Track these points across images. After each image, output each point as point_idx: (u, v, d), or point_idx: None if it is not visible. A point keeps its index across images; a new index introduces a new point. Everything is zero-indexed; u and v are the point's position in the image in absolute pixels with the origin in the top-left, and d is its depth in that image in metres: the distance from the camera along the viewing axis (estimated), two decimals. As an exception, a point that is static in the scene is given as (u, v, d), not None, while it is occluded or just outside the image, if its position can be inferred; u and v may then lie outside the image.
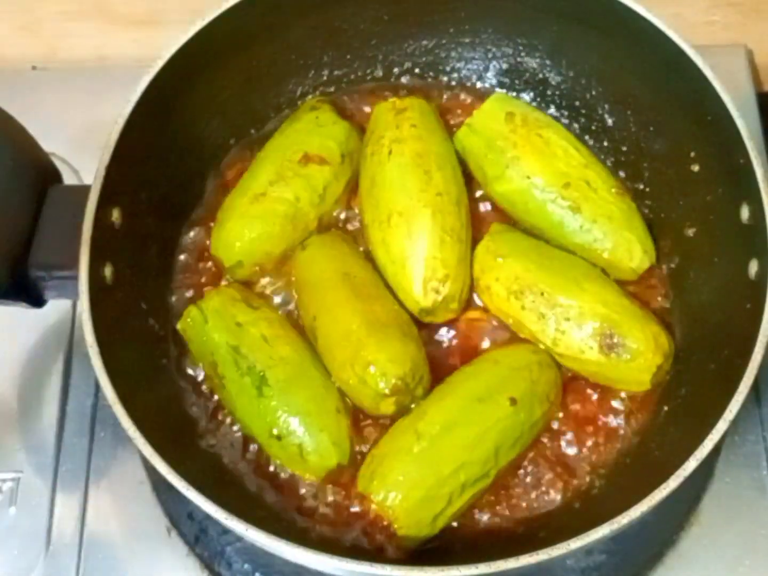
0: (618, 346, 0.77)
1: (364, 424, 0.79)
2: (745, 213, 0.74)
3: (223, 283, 0.86)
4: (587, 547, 0.64)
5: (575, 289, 0.79)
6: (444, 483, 0.73)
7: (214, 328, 0.80)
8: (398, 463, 0.74)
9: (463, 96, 0.93)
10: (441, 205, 0.82)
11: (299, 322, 0.83)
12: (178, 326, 0.82)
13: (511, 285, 0.80)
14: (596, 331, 0.77)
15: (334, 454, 0.76)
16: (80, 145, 0.93)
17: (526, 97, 0.93)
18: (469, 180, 0.87)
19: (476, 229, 0.85)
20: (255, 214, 0.83)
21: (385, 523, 0.73)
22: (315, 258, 0.83)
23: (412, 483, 0.73)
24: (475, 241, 0.84)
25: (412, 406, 0.77)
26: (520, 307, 0.80)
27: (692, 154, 0.81)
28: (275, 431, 0.76)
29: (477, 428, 0.75)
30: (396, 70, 0.93)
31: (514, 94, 0.93)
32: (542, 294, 0.79)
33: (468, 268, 0.83)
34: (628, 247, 0.82)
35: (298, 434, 0.76)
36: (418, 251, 0.80)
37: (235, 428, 0.80)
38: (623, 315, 0.78)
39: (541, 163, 0.83)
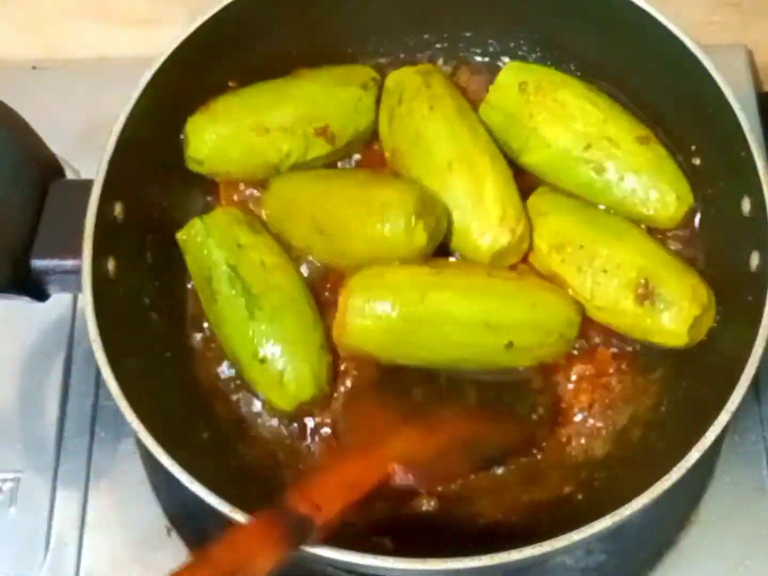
0: (653, 296, 0.77)
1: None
2: (746, 206, 0.74)
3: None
4: (590, 538, 0.63)
5: (613, 241, 0.79)
6: (409, 323, 0.76)
7: (216, 244, 0.81)
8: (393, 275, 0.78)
9: (464, 87, 0.93)
10: (494, 151, 0.83)
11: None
12: (178, 236, 0.83)
13: (551, 239, 0.81)
14: (632, 281, 0.77)
15: (311, 386, 0.78)
16: (81, 145, 0.93)
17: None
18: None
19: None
20: (247, 142, 0.84)
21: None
22: (291, 188, 0.85)
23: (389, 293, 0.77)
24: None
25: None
26: (560, 260, 0.80)
27: (693, 148, 0.81)
28: (261, 354, 0.78)
29: (464, 338, 0.77)
30: (397, 64, 0.92)
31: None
32: (581, 247, 0.79)
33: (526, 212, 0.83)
34: (661, 197, 0.81)
35: (282, 361, 0.78)
36: (488, 192, 0.80)
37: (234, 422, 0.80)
38: (660, 265, 0.78)
39: (558, 129, 0.83)
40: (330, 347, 0.80)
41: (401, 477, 0.69)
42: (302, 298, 0.81)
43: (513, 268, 0.83)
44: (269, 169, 0.85)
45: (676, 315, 0.76)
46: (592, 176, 0.82)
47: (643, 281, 0.77)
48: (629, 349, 0.81)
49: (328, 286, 0.84)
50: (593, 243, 0.80)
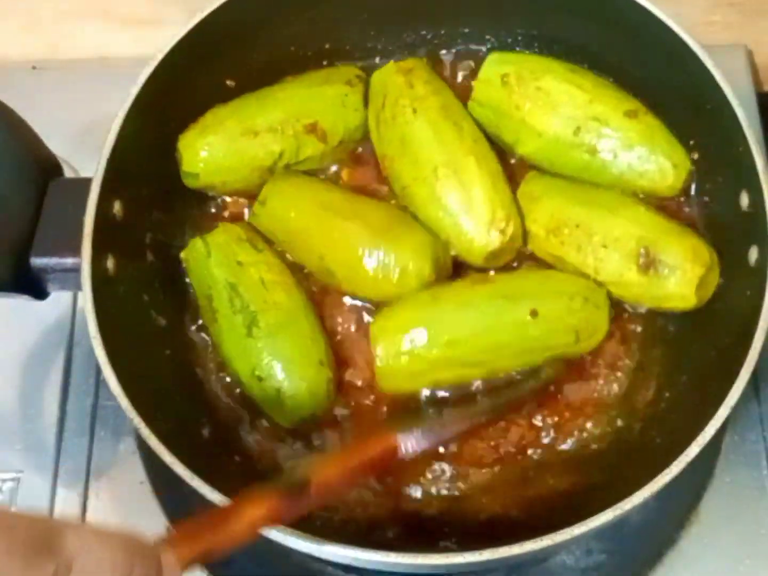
0: (656, 263, 0.77)
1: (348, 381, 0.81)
2: (744, 200, 0.74)
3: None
4: (591, 533, 0.63)
5: (608, 215, 0.80)
6: (434, 345, 0.76)
7: (216, 262, 0.81)
8: (404, 311, 0.78)
9: (463, 83, 0.93)
10: (480, 150, 0.83)
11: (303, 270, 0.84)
12: (182, 255, 0.83)
13: (548, 223, 0.81)
14: (633, 251, 0.78)
15: (309, 404, 0.78)
16: (81, 145, 0.93)
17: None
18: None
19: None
20: (238, 147, 0.84)
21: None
22: (282, 206, 0.84)
23: (405, 331, 0.77)
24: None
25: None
26: (559, 243, 0.81)
27: (692, 142, 0.82)
28: (257, 372, 0.78)
29: (487, 318, 0.77)
30: (395, 59, 0.93)
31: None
32: (577, 226, 0.80)
33: (517, 208, 0.83)
34: (658, 168, 0.81)
35: (279, 379, 0.78)
36: (475, 197, 0.80)
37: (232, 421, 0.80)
38: (658, 232, 0.78)
39: (546, 116, 0.83)
40: (331, 361, 0.80)
41: (406, 447, 0.69)
42: (301, 315, 0.80)
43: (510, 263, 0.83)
44: (264, 172, 0.85)
45: (681, 278, 0.77)
46: (587, 158, 0.82)
47: (643, 250, 0.77)
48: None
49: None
50: (588, 220, 0.80)
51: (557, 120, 0.83)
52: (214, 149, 0.84)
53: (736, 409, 0.67)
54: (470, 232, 0.80)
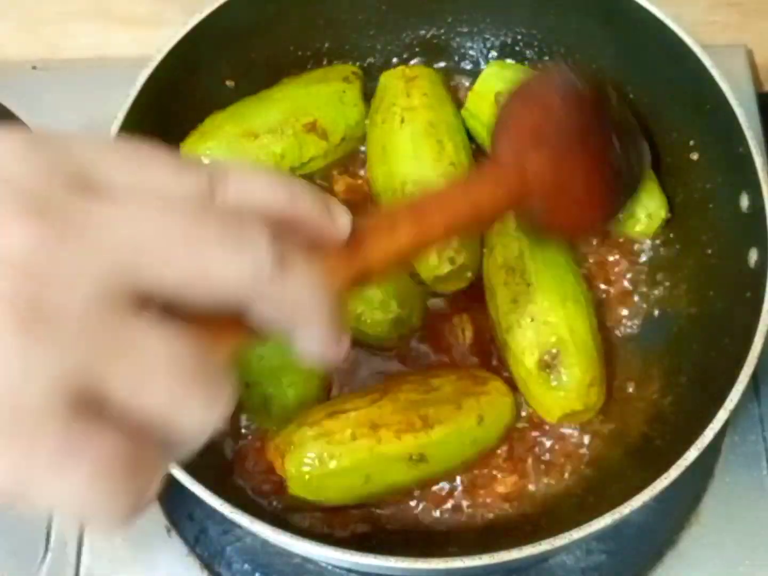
0: (553, 369, 0.75)
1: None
2: (744, 201, 0.74)
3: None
4: (590, 537, 0.63)
5: (557, 300, 0.77)
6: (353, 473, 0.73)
7: None
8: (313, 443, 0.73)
9: (461, 85, 0.93)
10: (455, 174, 0.82)
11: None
12: None
13: (509, 259, 0.80)
14: (546, 344, 0.76)
15: (296, 411, 0.77)
16: (80, 145, 0.93)
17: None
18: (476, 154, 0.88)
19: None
20: (238, 150, 0.84)
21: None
22: None
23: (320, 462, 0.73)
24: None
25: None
26: (502, 282, 0.79)
27: (691, 143, 0.81)
28: (244, 378, 0.77)
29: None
30: (394, 59, 0.93)
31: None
32: (528, 285, 0.78)
33: (479, 239, 0.82)
34: (630, 214, 0.81)
35: (266, 385, 0.77)
36: None
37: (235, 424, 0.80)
38: (579, 348, 0.75)
39: None
40: (319, 369, 0.79)
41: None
42: None
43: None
44: None
45: (558, 398, 0.75)
46: None
47: (555, 351, 0.75)
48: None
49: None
50: (538, 287, 0.78)
51: None
52: (214, 154, 0.84)
53: (736, 410, 0.67)
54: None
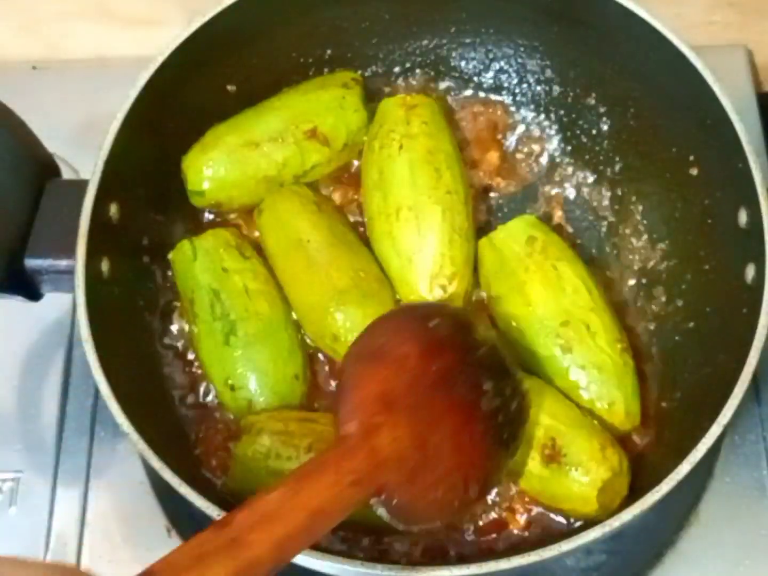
0: (560, 456, 0.73)
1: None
2: (743, 217, 0.73)
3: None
4: (580, 548, 0.63)
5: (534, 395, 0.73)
6: None
7: (201, 267, 0.81)
8: None
9: (462, 95, 0.93)
10: (451, 203, 0.82)
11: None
12: (170, 256, 0.83)
13: None
14: (539, 440, 0.73)
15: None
16: (80, 145, 0.93)
17: (527, 98, 0.93)
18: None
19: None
20: (240, 159, 0.84)
21: None
22: (270, 226, 0.84)
23: None
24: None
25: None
26: None
27: (691, 158, 0.81)
28: (230, 381, 0.78)
29: None
30: (396, 69, 0.93)
31: (512, 98, 0.93)
32: None
33: (472, 268, 0.82)
34: (612, 404, 0.77)
35: (251, 390, 0.78)
36: (426, 247, 0.80)
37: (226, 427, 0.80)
38: (569, 425, 0.74)
39: (546, 294, 0.79)
40: (307, 377, 0.80)
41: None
42: (281, 327, 0.80)
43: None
44: (270, 184, 0.85)
45: (583, 477, 0.72)
46: (556, 353, 0.78)
47: (549, 442, 0.73)
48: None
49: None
50: None
51: (554, 303, 0.78)
52: (216, 164, 0.84)
53: (736, 410, 0.67)
54: (413, 279, 0.80)
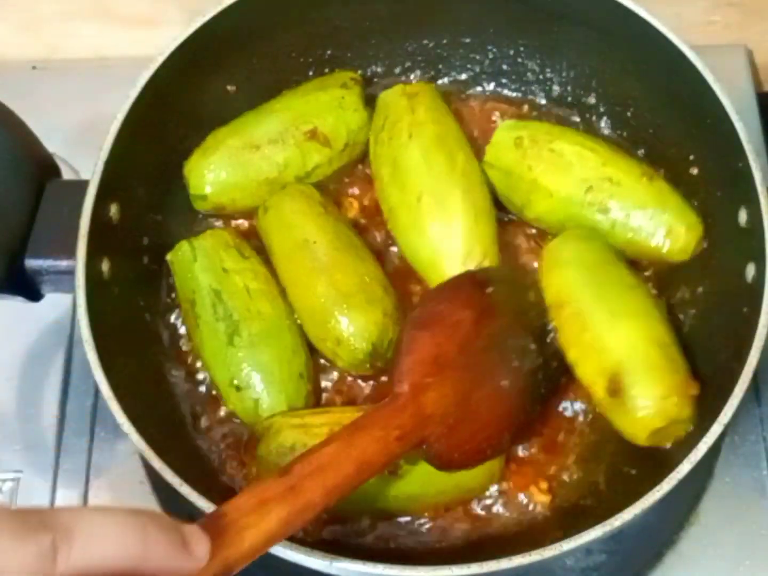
0: (622, 393, 0.72)
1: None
2: (743, 217, 0.74)
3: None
4: (580, 548, 0.63)
5: (607, 320, 0.75)
6: None
7: (201, 267, 0.81)
8: None
9: (463, 95, 0.93)
10: (468, 184, 0.82)
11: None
12: (168, 257, 0.82)
13: (552, 297, 0.78)
14: (606, 371, 0.73)
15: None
16: (80, 145, 0.93)
17: (527, 98, 0.93)
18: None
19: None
20: (241, 162, 0.84)
21: None
22: (275, 225, 0.84)
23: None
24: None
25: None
26: (555, 316, 0.77)
27: (691, 157, 0.81)
28: (236, 381, 0.77)
29: None
30: (397, 69, 0.93)
31: (514, 94, 0.93)
32: (577, 313, 0.76)
33: (497, 246, 0.82)
34: (670, 229, 0.79)
35: (257, 390, 0.77)
36: (453, 230, 0.80)
37: (226, 427, 0.80)
38: (642, 364, 0.73)
39: (558, 176, 0.81)
40: (311, 375, 0.80)
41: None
42: (284, 326, 0.80)
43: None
44: (272, 186, 0.85)
45: (636, 420, 0.72)
46: (597, 218, 0.80)
47: (617, 377, 0.72)
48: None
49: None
50: (589, 314, 0.75)
51: (570, 180, 0.81)
52: (218, 168, 0.84)
53: (736, 410, 0.67)
54: (445, 263, 0.80)
